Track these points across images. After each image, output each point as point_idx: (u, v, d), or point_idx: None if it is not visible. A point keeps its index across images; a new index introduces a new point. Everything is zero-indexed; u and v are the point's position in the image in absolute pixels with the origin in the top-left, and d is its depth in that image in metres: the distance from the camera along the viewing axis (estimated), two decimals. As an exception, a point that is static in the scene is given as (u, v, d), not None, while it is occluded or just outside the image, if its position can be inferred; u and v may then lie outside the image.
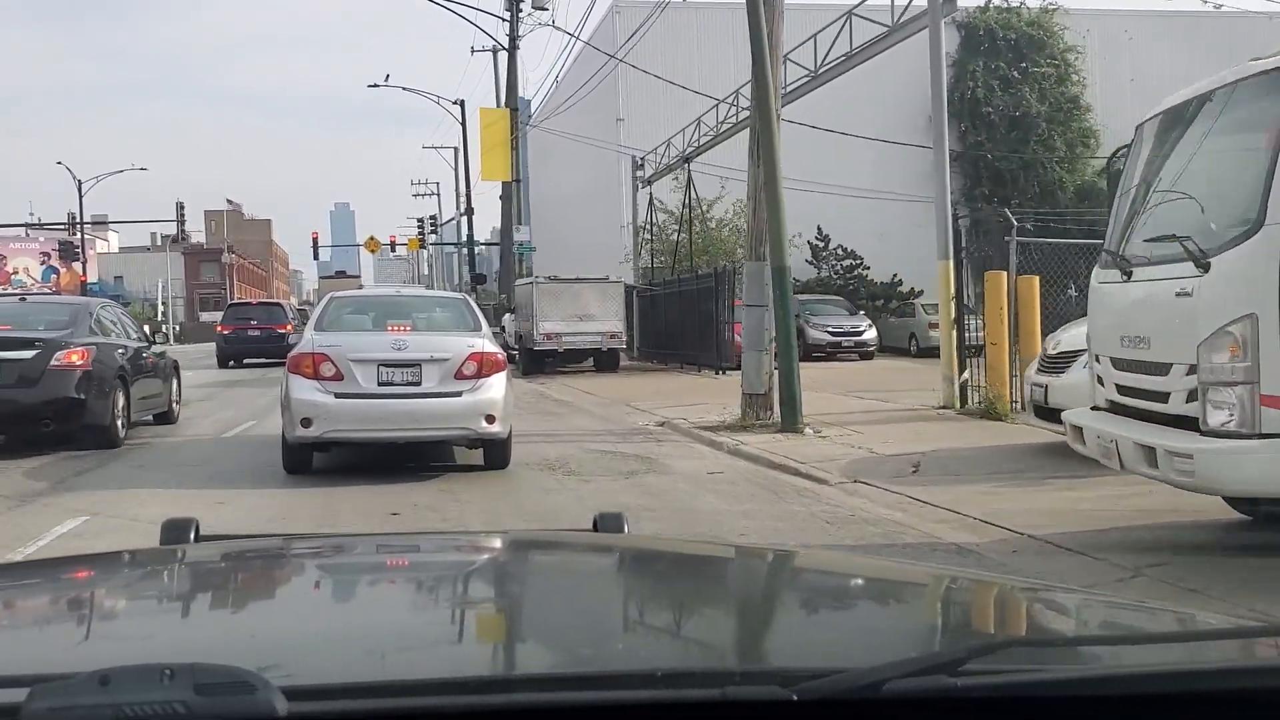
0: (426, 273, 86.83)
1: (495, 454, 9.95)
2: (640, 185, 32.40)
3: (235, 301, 41.97)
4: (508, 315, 29.57)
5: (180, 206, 53.24)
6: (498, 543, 2.77)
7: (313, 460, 9.90)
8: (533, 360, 24.84)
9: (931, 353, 25.76)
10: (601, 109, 38.02)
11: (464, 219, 48.66)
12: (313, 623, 1.65)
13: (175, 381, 15.06)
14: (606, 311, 24.69)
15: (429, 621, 1.67)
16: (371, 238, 50.10)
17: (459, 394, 9.41)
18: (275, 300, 42.98)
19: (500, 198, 39.09)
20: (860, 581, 2.09)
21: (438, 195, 72.67)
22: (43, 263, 64.10)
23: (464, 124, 45.41)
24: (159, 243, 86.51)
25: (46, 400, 11.34)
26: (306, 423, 9.24)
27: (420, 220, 58.73)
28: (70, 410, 11.49)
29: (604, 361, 25.38)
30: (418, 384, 9.40)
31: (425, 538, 3.44)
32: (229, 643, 1.52)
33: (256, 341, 29.78)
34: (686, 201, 28.48)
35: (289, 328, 29.54)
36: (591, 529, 2.31)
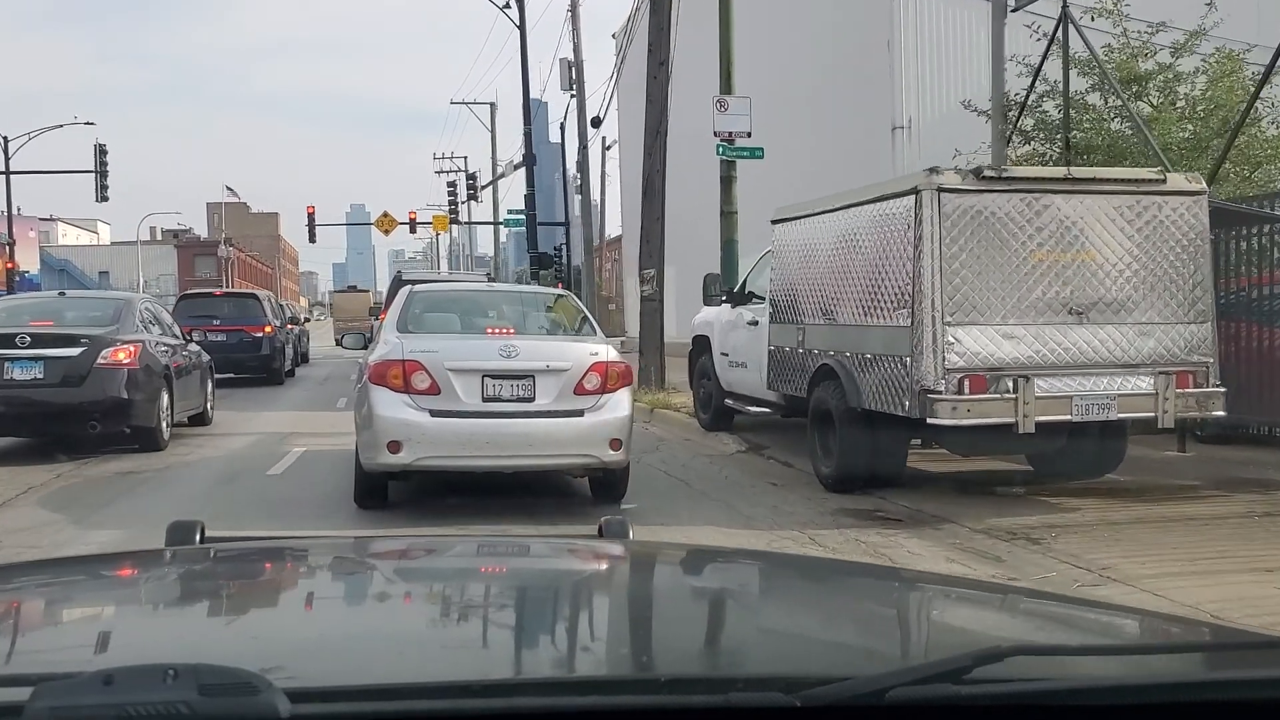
0: (446, 271, 70.31)
1: (611, 484, 8.46)
2: (1009, 8, 14.20)
3: (191, 291, 28.72)
4: (728, 316, 12.10)
5: (100, 150, 36.70)
6: (503, 546, 2.75)
7: (388, 491, 8.32)
8: (886, 448, 8.57)
9: None
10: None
11: (523, 171, 34.22)
12: (316, 625, 1.67)
13: (210, 382, 14.50)
14: (1157, 290, 7.99)
15: (432, 624, 1.68)
16: (386, 214, 43.10)
17: (580, 413, 7.92)
18: (248, 291, 30.30)
19: (634, 78, 20.61)
20: (865, 589, 2.09)
21: (464, 171, 57.28)
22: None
23: (522, 28, 32.34)
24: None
25: (93, 400, 10.78)
26: (395, 447, 7.65)
27: (451, 187, 45.95)
28: (117, 411, 10.94)
29: (1101, 450, 8.65)
30: (530, 400, 7.87)
31: (430, 541, 3.42)
32: (233, 644, 1.53)
33: (220, 349, 20.54)
34: None
35: (269, 330, 23.03)
36: (597, 534, 2.29)
